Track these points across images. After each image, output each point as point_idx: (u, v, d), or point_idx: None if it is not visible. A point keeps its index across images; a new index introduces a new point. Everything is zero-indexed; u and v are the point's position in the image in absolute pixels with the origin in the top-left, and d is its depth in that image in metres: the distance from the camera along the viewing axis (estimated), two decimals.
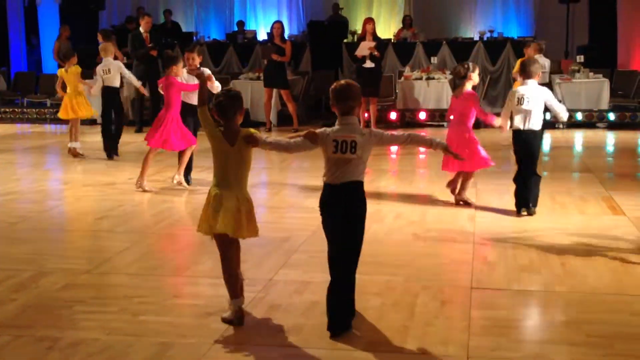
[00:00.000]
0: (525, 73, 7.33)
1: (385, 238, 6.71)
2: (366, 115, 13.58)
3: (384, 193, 8.67)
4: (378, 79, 13.69)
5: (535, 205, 7.49)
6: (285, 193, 8.91)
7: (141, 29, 14.24)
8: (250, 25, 19.70)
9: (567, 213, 7.63)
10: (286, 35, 15.38)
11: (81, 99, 11.32)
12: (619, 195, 8.24)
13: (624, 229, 6.94)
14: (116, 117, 11.26)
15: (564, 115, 7.59)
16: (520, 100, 7.22)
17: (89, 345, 4.43)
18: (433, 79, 14.78)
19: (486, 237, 6.73)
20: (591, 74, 14.26)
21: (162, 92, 8.80)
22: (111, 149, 11.17)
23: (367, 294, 5.11)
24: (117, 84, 11.09)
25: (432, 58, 16.08)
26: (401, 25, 18.23)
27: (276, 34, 14.12)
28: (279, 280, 5.60)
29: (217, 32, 19.88)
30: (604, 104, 14.06)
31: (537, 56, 11.53)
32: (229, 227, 4.60)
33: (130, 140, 12.48)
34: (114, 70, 10.85)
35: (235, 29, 19.26)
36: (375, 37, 13.57)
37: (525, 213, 7.42)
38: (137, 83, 11.59)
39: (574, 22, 17.30)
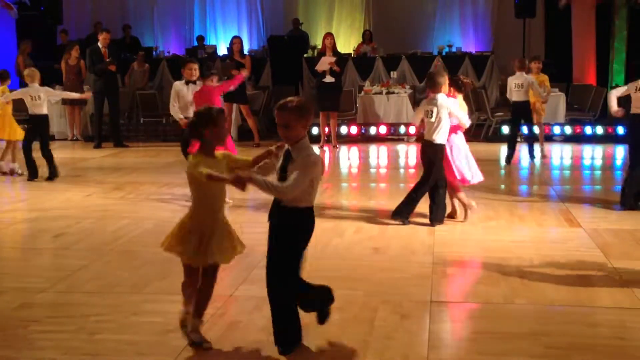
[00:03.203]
0: (433, 85, 7.52)
1: (345, 252, 6.72)
2: (327, 129, 13.65)
3: (345, 207, 8.69)
4: (338, 93, 13.77)
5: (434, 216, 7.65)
6: (245, 208, 8.88)
7: (99, 44, 14.14)
8: (210, 40, 19.68)
9: (525, 226, 7.72)
10: (246, 50, 15.39)
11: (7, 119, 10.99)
12: (575, 208, 8.36)
13: (580, 241, 7.04)
14: (43, 147, 10.62)
15: (466, 122, 7.61)
16: (427, 113, 7.46)
17: None
18: (393, 93, 14.89)
19: (446, 251, 6.77)
20: None
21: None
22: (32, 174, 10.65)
23: None
24: (45, 110, 10.56)
25: (391, 72, 16.22)
26: (361, 40, 18.35)
27: (235, 50, 14.15)
28: (239, 296, 5.58)
29: (177, 47, 19.80)
30: (561, 117, 14.30)
31: (519, 73, 11.68)
32: (225, 257, 4.74)
33: (89, 156, 12.37)
34: (43, 96, 10.47)
35: (195, 44, 19.22)
36: (335, 52, 13.65)
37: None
38: (72, 94, 11.56)
39: (530, 37, 17.59)
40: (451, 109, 7.45)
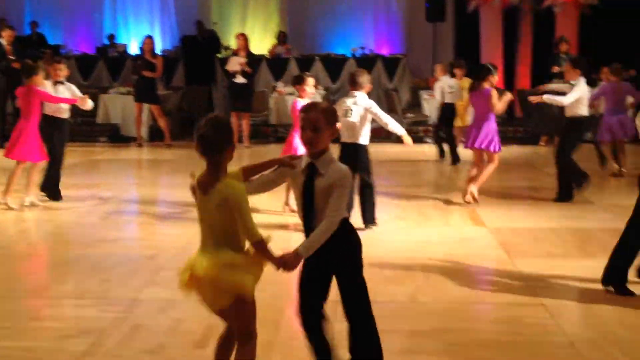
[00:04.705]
0: (354, 84, 7.41)
1: None
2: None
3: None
4: (250, 94, 13.74)
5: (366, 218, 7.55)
6: (154, 209, 8.75)
7: (3, 41, 13.70)
8: (121, 39, 19.29)
9: (432, 225, 7.86)
10: (158, 50, 15.18)
11: None
12: (480, 207, 8.56)
13: (484, 240, 7.21)
14: None
15: (392, 126, 7.53)
16: (346, 113, 7.27)
17: None
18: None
19: None
20: None
21: (18, 104, 8.49)
22: None
23: None
24: None
25: (305, 74, 16.21)
26: (276, 41, 18.33)
27: (147, 49, 13.96)
28: (144, 299, 5.48)
29: (86, 45, 19.34)
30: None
31: (444, 77, 12.06)
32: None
33: None
34: None
35: (106, 42, 18.83)
36: (248, 53, 13.60)
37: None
38: None
39: (441, 41, 17.92)
40: (372, 108, 7.35)
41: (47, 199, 8.76)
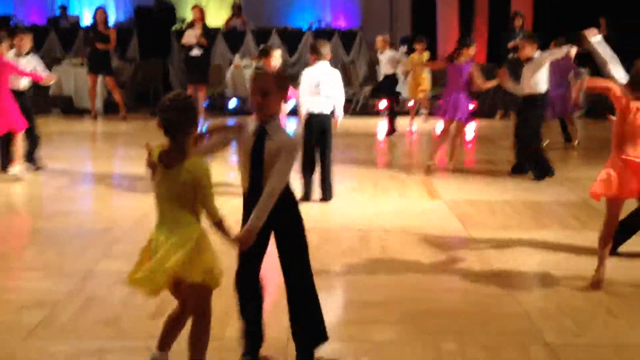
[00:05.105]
0: (319, 54, 7.42)
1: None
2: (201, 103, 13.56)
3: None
4: (206, 66, 13.61)
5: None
6: (109, 182, 8.64)
7: None
8: (73, 10, 18.90)
9: (388, 197, 7.90)
10: (111, 22, 14.93)
11: None
12: (437, 180, 8.63)
13: (440, 212, 7.28)
14: None
15: (340, 104, 7.61)
16: (317, 84, 7.32)
17: None
18: (260, 68, 14.80)
19: (309, 222, 6.79)
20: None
21: None
22: None
23: None
24: None
25: (271, 46, 16.10)
26: (231, 14, 18.13)
27: (99, 21, 13.73)
28: (99, 271, 5.43)
29: (37, 16, 18.91)
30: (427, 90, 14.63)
31: (388, 50, 12.17)
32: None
33: None
34: None
35: (58, 13, 18.44)
36: (203, 25, 13.45)
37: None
38: None
39: (397, 14, 17.92)
40: (338, 78, 7.46)
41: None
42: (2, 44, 8.29)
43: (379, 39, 12.61)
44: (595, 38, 5.69)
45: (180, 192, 3.46)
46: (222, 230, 3.56)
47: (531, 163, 8.75)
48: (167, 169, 3.47)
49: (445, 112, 9.02)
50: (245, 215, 3.75)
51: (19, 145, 8.52)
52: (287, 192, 3.80)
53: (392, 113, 12.39)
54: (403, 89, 13.78)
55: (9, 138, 8.62)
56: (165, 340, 3.78)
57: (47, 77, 8.91)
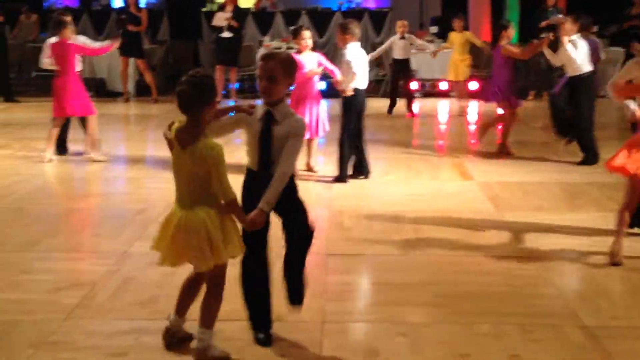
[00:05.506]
0: (353, 34, 7.49)
1: None
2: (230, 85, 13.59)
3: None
4: (237, 48, 13.62)
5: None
6: (142, 164, 8.71)
7: None
8: None
9: (421, 179, 7.87)
10: (143, 3, 14.98)
11: None
12: (469, 162, 8.59)
13: (473, 194, 7.24)
14: None
15: (338, 75, 7.65)
16: (349, 64, 7.41)
17: None
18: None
19: (343, 204, 6.84)
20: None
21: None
22: None
23: None
24: None
25: (291, 28, 16.08)
26: None
27: (131, 2, 13.77)
28: (134, 252, 5.49)
29: None
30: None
31: (407, 35, 12.47)
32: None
33: None
34: None
35: None
36: (235, 7, 13.45)
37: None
38: None
39: None
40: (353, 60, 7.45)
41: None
42: (67, 27, 8.37)
43: (399, 23, 12.67)
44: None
45: (195, 171, 3.53)
46: (235, 210, 3.62)
47: (582, 147, 8.55)
48: (182, 149, 3.54)
49: (496, 96, 8.96)
50: (247, 194, 3.83)
51: (95, 129, 8.71)
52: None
53: (409, 95, 12.36)
54: (433, 70, 13.79)
55: (67, 123, 8.84)
56: (182, 305, 3.94)
57: (115, 42, 9.06)
